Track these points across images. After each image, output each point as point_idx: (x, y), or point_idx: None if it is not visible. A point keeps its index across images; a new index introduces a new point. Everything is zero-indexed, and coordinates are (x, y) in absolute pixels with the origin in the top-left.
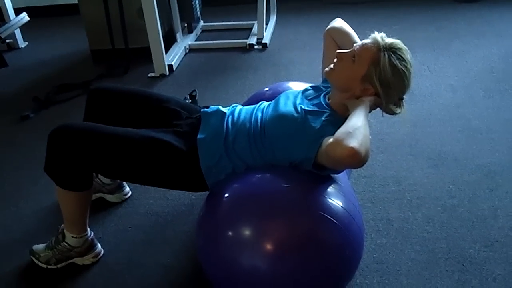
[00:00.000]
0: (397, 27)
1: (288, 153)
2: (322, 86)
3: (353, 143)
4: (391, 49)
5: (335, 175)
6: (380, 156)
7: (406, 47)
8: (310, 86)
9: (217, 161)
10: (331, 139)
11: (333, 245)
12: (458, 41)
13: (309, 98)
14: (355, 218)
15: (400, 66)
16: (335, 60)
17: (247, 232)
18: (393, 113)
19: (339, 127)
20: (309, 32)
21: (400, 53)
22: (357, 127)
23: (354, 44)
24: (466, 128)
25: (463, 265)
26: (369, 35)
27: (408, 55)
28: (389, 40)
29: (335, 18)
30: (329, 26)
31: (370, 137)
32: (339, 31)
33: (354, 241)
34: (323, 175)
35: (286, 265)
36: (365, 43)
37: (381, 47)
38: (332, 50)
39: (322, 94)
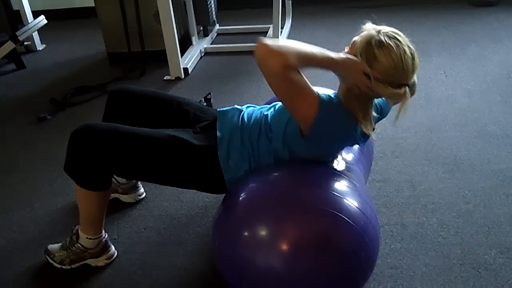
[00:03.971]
0: (412, 31)
1: (285, 134)
2: None
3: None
4: (384, 31)
5: (352, 176)
6: (395, 161)
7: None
8: None
9: (234, 154)
10: None
11: (350, 247)
12: (474, 46)
13: None
14: (371, 220)
15: (388, 41)
16: None
17: (263, 233)
18: (385, 95)
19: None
20: (324, 36)
21: (393, 33)
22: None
23: None
24: (482, 133)
25: (478, 271)
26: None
27: (404, 39)
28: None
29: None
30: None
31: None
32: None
33: (370, 243)
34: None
35: (302, 266)
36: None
37: (374, 29)
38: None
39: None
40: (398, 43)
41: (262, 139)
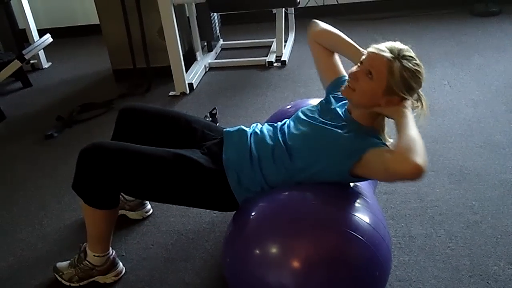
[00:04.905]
0: (415, 42)
1: (319, 170)
2: (333, 97)
3: (418, 159)
4: (400, 54)
5: (363, 192)
6: None
7: (406, 46)
8: (324, 100)
9: (245, 179)
10: (389, 154)
11: (363, 265)
12: (478, 56)
13: (327, 112)
14: (384, 237)
15: (414, 67)
16: (349, 79)
17: (275, 250)
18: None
19: (372, 137)
20: None
21: (408, 55)
22: (415, 140)
23: (362, 58)
24: (488, 143)
25: (487, 282)
26: (369, 46)
27: (412, 53)
28: (392, 46)
29: (314, 22)
30: (311, 32)
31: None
32: (323, 34)
33: (384, 262)
34: (349, 183)
35: (314, 285)
36: (375, 56)
37: (391, 56)
38: (324, 56)
39: (338, 107)
40: (419, 66)
41: (279, 166)
